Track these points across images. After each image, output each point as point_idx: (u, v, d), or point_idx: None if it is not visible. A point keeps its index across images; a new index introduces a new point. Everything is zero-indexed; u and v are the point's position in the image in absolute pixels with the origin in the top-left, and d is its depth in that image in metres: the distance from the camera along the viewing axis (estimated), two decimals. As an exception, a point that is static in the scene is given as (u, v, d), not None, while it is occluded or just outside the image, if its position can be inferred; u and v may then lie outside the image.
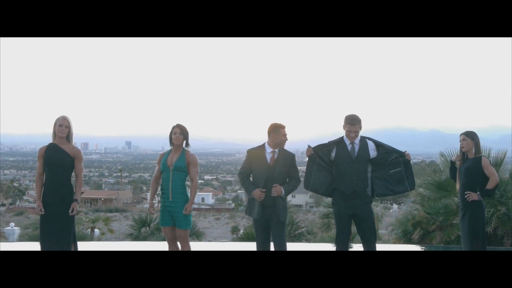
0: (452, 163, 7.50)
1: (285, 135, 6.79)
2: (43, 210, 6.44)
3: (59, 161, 6.49)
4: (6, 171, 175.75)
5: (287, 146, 6.95)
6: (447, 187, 13.18)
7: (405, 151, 6.92)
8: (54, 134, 6.58)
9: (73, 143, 6.74)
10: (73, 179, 6.67)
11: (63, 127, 6.53)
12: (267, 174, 6.68)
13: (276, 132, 6.76)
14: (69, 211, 6.41)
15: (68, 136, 6.60)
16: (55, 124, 6.56)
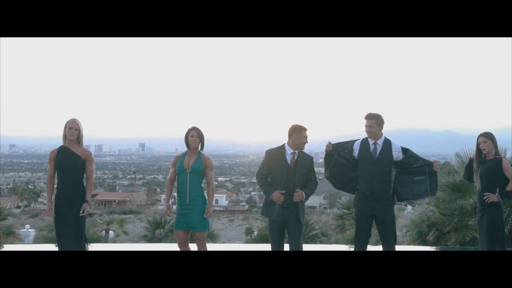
0: (471, 161, 7.34)
1: (306, 137, 6.75)
2: (53, 213, 6.51)
3: (70, 163, 6.55)
4: (21, 174, 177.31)
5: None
6: (462, 188, 13.10)
7: (434, 161, 6.89)
8: (65, 137, 6.64)
9: (88, 146, 6.79)
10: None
11: (72, 130, 6.58)
12: (287, 175, 6.63)
13: (298, 133, 6.72)
14: (80, 212, 6.46)
15: (78, 139, 6.66)
16: (65, 127, 6.61)
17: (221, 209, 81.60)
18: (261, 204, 7.08)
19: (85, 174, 6.70)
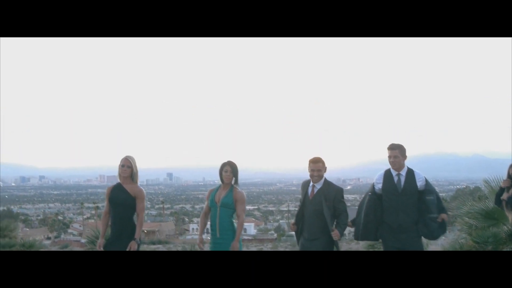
0: (502, 189, 7.23)
1: (313, 169, 6.71)
2: (102, 248, 6.56)
3: (121, 200, 6.64)
4: (51, 205, 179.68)
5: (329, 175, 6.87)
6: (495, 215, 12.85)
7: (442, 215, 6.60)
8: (119, 174, 6.73)
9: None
10: None
11: (125, 167, 6.70)
12: (307, 206, 6.72)
13: (309, 166, 6.76)
14: (126, 250, 6.46)
15: (132, 175, 6.73)
16: (119, 165, 6.72)
17: (250, 238, 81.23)
18: (289, 233, 7.13)
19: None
